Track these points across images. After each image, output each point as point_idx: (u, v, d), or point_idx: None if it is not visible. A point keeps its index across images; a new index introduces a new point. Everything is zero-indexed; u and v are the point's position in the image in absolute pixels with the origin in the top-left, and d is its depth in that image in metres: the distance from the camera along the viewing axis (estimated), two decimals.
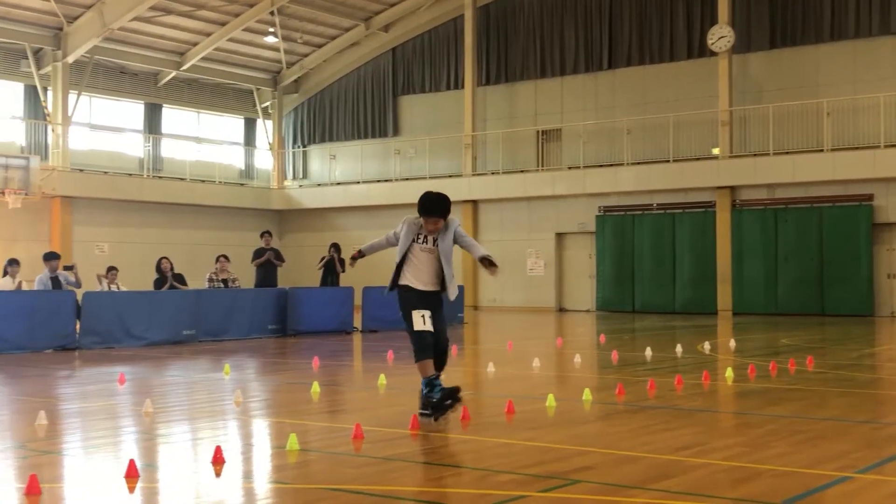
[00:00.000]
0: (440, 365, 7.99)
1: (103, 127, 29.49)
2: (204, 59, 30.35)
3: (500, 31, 30.57)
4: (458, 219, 8.30)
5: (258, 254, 20.18)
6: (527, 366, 12.63)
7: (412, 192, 30.43)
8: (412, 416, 7.70)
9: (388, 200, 31.15)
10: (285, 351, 16.12)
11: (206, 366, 13.71)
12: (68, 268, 16.88)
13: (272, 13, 29.13)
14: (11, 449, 7.21)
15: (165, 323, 16.63)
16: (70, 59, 27.18)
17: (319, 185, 33.27)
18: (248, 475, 6.28)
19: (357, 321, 19.73)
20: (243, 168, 33.53)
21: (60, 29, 26.99)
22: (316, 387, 10.11)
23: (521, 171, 29.73)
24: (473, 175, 30.31)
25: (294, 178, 34.05)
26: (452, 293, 8.04)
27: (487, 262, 7.95)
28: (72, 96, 27.65)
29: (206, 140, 32.29)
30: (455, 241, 8.07)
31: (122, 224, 28.26)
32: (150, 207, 28.81)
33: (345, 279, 20.87)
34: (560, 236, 29.43)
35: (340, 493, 5.61)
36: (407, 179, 31.30)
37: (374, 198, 31.52)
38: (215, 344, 16.78)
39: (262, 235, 20.80)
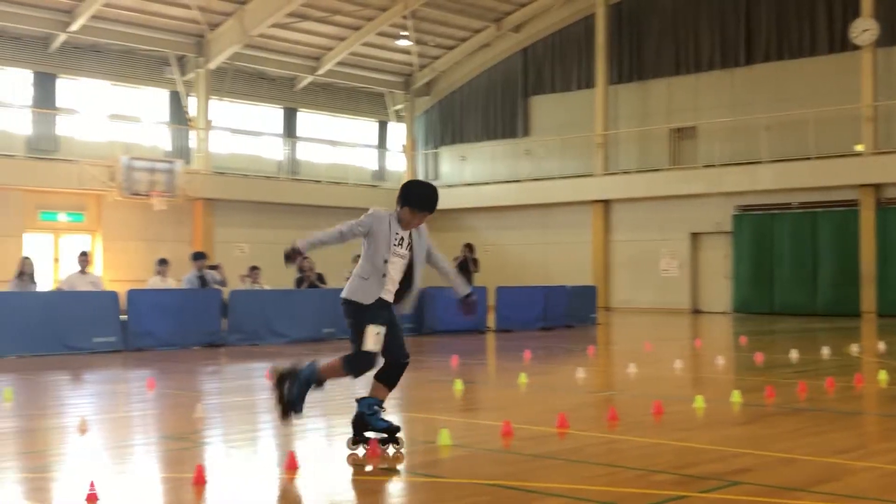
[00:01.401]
0: (391, 383, 6.73)
1: (243, 131, 30.37)
2: (338, 63, 30.93)
3: (633, 28, 30.20)
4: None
5: None
6: (668, 367, 12.44)
7: (542, 193, 30.56)
8: (559, 415, 7.67)
9: (519, 201, 31.15)
10: (422, 349, 16.26)
11: None
12: (213, 267, 17.43)
13: (405, 17, 29.48)
14: (172, 440, 7.49)
15: (307, 321, 17.01)
16: (212, 66, 28.08)
17: (450, 186, 33.49)
18: (402, 469, 6.37)
19: (490, 321, 19.77)
20: (376, 170, 34.03)
21: (202, 36, 27.90)
22: (459, 384, 10.18)
23: (654, 171, 29.30)
24: (605, 175, 30.02)
25: (426, 179, 34.38)
26: (408, 307, 6.80)
27: (468, 304, 6.93)
28: (213, 102, 28.56)
29: (341, 143, 32.91)
30: (428, 256, 6.74)
31: (260, 225, 29.04)
32: (287, 209, 29.50)
33: (478, 279, 20.95)
34: (695, 236, 28.88)
35: (496, 488, 5.64)
36: (537, 180, 31.23)
37: (504, 198, 31.56)
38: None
39: None
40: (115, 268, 25.89)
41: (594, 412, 8.95)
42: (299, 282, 18.46)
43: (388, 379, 6.70)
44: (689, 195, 28.30)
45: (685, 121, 29.24)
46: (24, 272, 15.44)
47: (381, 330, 6.45)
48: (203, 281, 16.81)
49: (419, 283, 6.72)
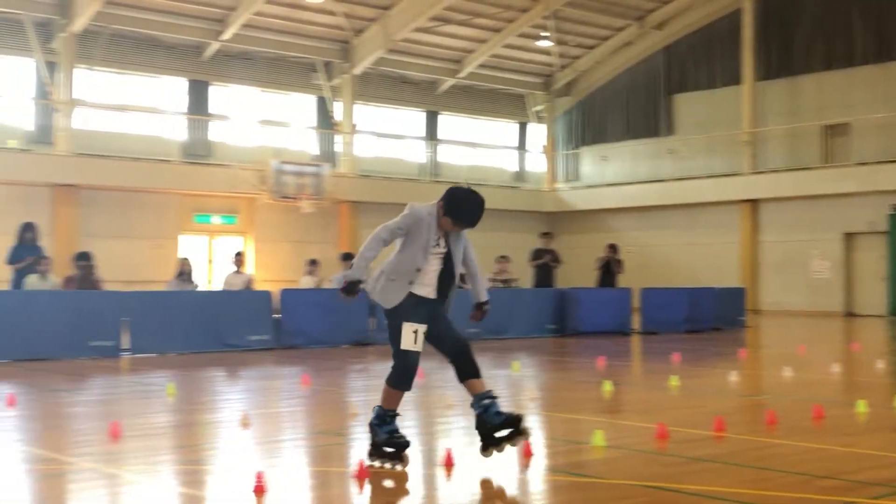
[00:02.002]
0: (472, 372, 6.40)
1: (386, 134, 30.87)
2: (479, 65, 31.10)
3: (781, 23, 29.33)
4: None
5: (537, 254, 20.40)
6: (824, 370, 12.05)
7: (687, 193, 30.00)
8: (715, 418, 7.53)
9: (661, 201, 30.67)
10: (566, 350, 16.22)
11: (493, 362, 14.02)
12: None
13: (546, 17, 29.43)
14: (327, 435, 7.70)
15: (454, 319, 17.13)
16: (357, 71, 28.65)
17: (591, 186, 33.25)
18: (556, 468, 6.38)
19: (635, 322, 19.54)
20: (516, 171, 34.07)
21: (348, 42, 28.50)
22: (608, 385, 10.10)
23: (805, 169, 28.38)
24: (752, 173, 29.26)
25: (566, 180, 34.22)
26: (449, 305, 6.51)
27: (481, 312, 6.69)
28: (358, 106, 29.14)
29: (481, 145, 33.08)
30: (464, 256, 6.49)
31: None
32: None
33: (623, 280, 20.73)
34: (848, 236, 27.84)
35: (654, 490, 5.59)
36: (680, 179, 30.69)
37: (647, 198, 31.12)
38: (497, 342, 17.13)
39: (541, 236, 21.02)
40: (266, 268, 26.70)
41: (750, 416, 8.76)
42: None
43: (465, 372, 6.36)
44: (841, 194, 27.30)
45: (836, 117, 28.23)
46: (184, 272, 16.08)
47: (420, 328, 6.16)
48: None
49: (457, 278, 6.43)
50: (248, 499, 5.32)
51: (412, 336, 6.15)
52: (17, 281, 14.95)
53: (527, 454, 6.43)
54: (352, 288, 6.21)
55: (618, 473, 6.07)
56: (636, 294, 19.67)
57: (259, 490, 5.37)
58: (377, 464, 6.13)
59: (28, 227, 15.57)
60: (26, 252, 15.21)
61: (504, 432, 6.19)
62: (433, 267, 6.29)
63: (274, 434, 7.86)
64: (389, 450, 6.15)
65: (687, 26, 31.19)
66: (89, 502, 5.55)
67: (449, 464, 6.13)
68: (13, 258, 15.30)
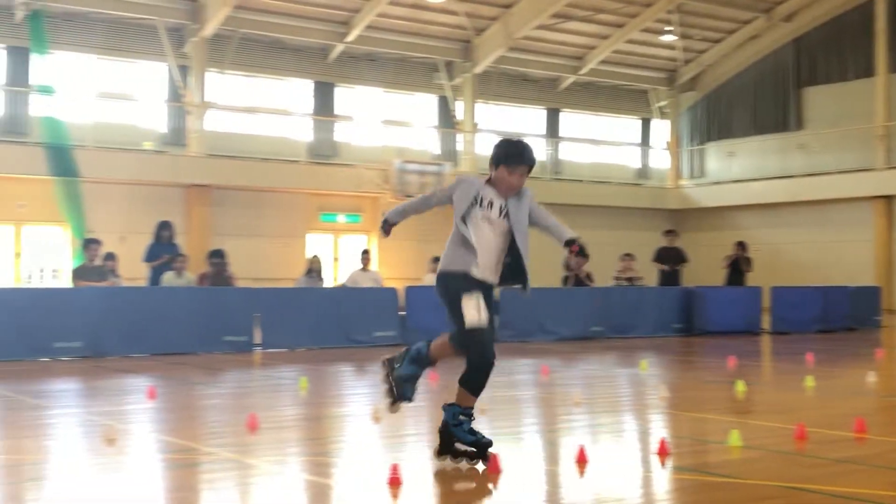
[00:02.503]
0: (474, 389, 5.90)
1: (507, 133, 30.82)
2: (601, 62, 30.79)
3: None
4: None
5: (660, 253, 20.10)
6: None
7: (817, 189, 29.09)
8: (856, 419, 7.27)
9: (790, 197, 29.78)
10: (693, 349, 15.95)
11: (619, 361, 13.90)
12: None
13: (670, 11, 28.95)
14: None
15: (576, 319, 17.08)
16: (478, 70, 28.72)
17: (717, 183, 32.53)
18: (693, 468, 6.26)
19: (765, 322, 19.05)
20: (639, 168, 33.62)
21: (469, 42, 28.59)
22: (741, 385, 9.87)
23: None
24: (886, 168, 28.16)
25: (691, 176, 33.58)
26: (527, 290, 5.85)
27: (578, 250, 5.83)
28: (478, 105, 29.20)
29: (603, 142, 32.75)
30: (531, 220, 5.85)
31: None
32: (551, 209, 29.43)
33: (752, 279, 20.25)
34: None
35: (795, 491, 5.44)
36: (810, 175, 29.75)
37: (775, 195, 30.26)
38: (622, 340, 16.95)
39: (665, 234, 20.70)
40: (391, 266, 26.98)
41: (891, 417, 8.45)
42: (565, 280, 18.55)
43: (469, 384, 5.83)
44: None
45: None
46: (313, 269, 16.40)
47: (478, 299, 5.58)
48: None
49: (525, 253, 5.75)
50: (382, 490, 5.38)
51: (475, 310, 5.52)
52: (155, 278, 15.50)
53: (662, 453, 6.33)
54: (384, 225, 6.15)
55: (757, 474, 5.92)
56: (765, 293, 19.18)
57: (394, 482, 5.43)
58: (450, 462, 5.85)
59: (164, 226, 16.12)
60: (163, 250, 15.76)
61: (464, 448, 5.86)
62: (488, 238, 5.69)
63: (402, 428, 7.94)
64: (471, 449, 5.82)
65: (816, 18, 30.22)
66: (225, 491, 5.71)
67: (582, 461, 6.08)
68: (151, 256, 15.87)
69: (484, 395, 9.23)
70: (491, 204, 5.68)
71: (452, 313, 5.64)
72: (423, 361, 5.88)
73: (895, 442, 6.97)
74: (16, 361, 12.66)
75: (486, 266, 5.71)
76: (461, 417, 5.80)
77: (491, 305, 5.75)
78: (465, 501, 5.48)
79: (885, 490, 5.46)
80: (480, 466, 5.83)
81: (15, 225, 23.28)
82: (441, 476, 5.94)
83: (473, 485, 5.74)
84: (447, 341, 5.78)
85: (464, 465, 5.87)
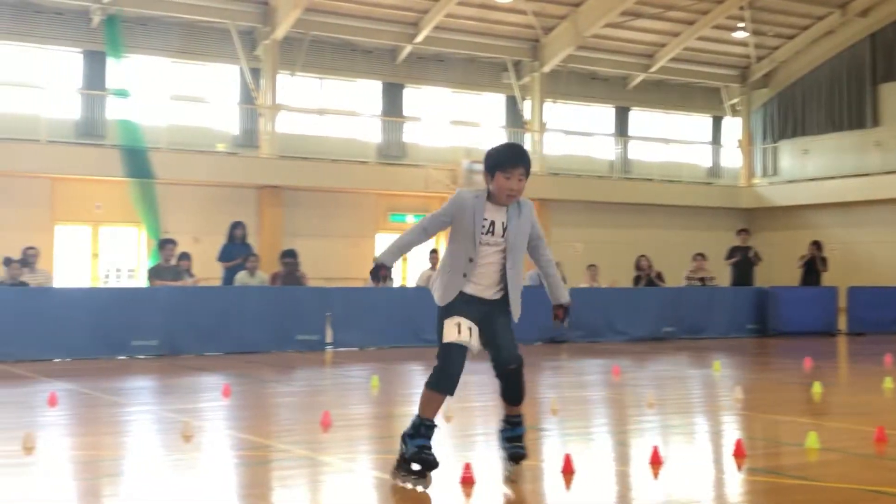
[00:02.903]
0: (513, 399, 5.64)
1: (576, 132, 30.67)
2: (671, 59, 30.44)
3: None
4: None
5: (732, 252, 19.81)
6: None
7: (892, 187, 28.39)
8: None
9: (866, 196, 29.11)
10: (768, 350, 15.70)
11: (691, 362, 13.74)
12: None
13: (742, 7, 28.52)
14: (533, 430, 7.71)
15: (646, 319, 16.92)
16: (546, 69, 28.61)
17: (790, 181, 31.94)
18: (769, 470, 6.16)
19: (841, 322, 18.67)
20: (710, 167, 33.17)
21: (537, 41, 28.50)
22: (817, 387, 9.69)
23: None
24: None
25: (763, 175, 33.03)
26: (517, 310, 5.52)
27: (563, 311, 5.67)
28: (547, 104, 29.08)
29: (673, 140, 32.39)
30: (530, 240, 5.54)
31: (594, 224, 29.20)
32: (621, 208, 29.44)
33: (828, 279, 19.84)
34: None
35: (876, 494, 5.33)
36: (887, 173, 29.05)
37: (850, 193, 29.60)
38: (694, 341, 16.75)
39: (738, 233, 20.40)
40: None
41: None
42: (637, 280, 18.39)
43: (507, 396, 5.63)
44: None
45: None
46: None
47: (464, 321, 5.33)
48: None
49: (519, 275, 5.48)
50: (454, 489, 5.39)
51: (454, 328, 5.33)
52: (229, 277, 15.72)
53: (738, 454, 6.24)
54: (375, 272, 5.42)
55: (835, 477, 5.81)
56: (842, 293, 18.79)
57: (467, 481, 5.43)
58: (398, 481, 5.44)
59: (237, 226, 16.35)
60: (236, 250, 15.98)
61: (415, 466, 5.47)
62: (490, 260, 5.41)
63: (472, 427, 7.95)
64: (416, 467, 5.40)
65: (893, 12, 29.49)
66: (298, 489, 5.77)
67: (655, 462, 6.02)
68: (224, 256, 16.10)
69: (554, 394, 9.21)
70: (493, 225, 5.39)
71: (438, 332, 5.47)
72: (421, 427, 5.47)
73: None
74: (94, 359, 12.94)
75: (486, 284, 5.45)
76: (420, 428, 5.47)
77: (500, 311, 5.48)
78: (537, 502, 5.46)
79: None
80: (419, 488, 5.33)
81: (92, 226, 23.80)
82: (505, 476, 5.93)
83: (545, 485, 5.73)
84: (424, 391, 5.50)
85: (408, 485, 5.39)
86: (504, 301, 5.47)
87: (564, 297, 5.74)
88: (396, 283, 18.17)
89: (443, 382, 5.41)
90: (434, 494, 5.35)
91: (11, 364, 12.38)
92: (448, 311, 5.42)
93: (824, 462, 6.29)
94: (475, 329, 5.38)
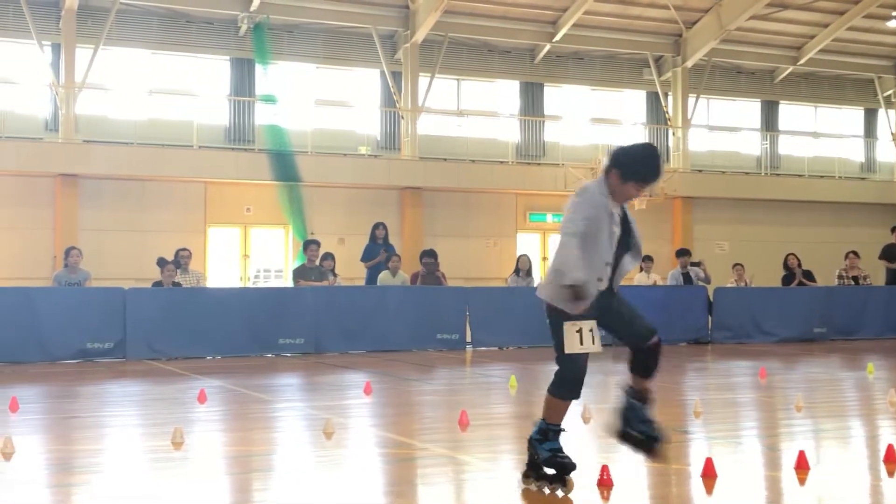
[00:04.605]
0: (645, 372, 5.44)
1: (721, 128, 29.96)
2: (820, 51, 29.39)
3: None
4: None
5: (888, 251, 18.96)
6: None
7: None
8: None
9: None
10: None
11: (843, 364, 13.23)
12: (696, 264, 17.39)
13: None
14: (672, 432, 7.57)
15: (796, 320, 16.39)
16: (689, 64, 28.03)
17: None
18: None
19: None
20: (864, 161, 31.85)
21: (679, 35, 27.96)
22: None
23: None
24: None
25: None
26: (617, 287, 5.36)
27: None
28: (690, 99, 28.50)
29: (823, 135, 31.25)
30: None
31: (740, 222, 28.45)
32: (768, 205, 28.60)
33: None
34: None
35: None
36: None
37: None
38: (847, 343, 16.13)
39: (893, 230, 19.51)
40: None
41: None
42: (787, 279, 17.82)
43: (639, 369, 5.42)
44: None
45: None
46: (521, 269, 16.48)
47: (585, 325, 5.15)
48: (687, 278, 16.85)
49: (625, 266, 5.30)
50: (592, 491, 5.34)
51: (575, 337, 5.15)
52: (371, 277, 16.00)
53: (890, 460, 5.97)
54: (581, 293, 5.03)
55: None
56: None
57: (605, 483, 5.38)
58: (533, 487, 5.34)
59: (379, 226, 16.62)
60: (378, 249, 16.25)
61: (637, 435, 5.41)
62: (607, 251, 5.23)
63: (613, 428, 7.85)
64: (550, 471, 5.31)
65: None
66: (438, 486, 5.81)
67: (803, 466, 5.82)
68: (367, 256, 16.40)
69: (698, 396, 9.01)
70: (616, 217, 5.24)
71: (554, 334, 5.27)
72: (549, 432, 5.36)
73: None
74: (243, 357, 13.38)
75: (605, 277, 5.24)
76: (547, 433, 5.36)
77: (614, 299, 5.31)
78: None
79: None
80: (559, 493, 5.24)
81: (242, 227, 24.61)
82: (652, 478, 5.84)
83: (687, 489, 5.61)
84: (547, 397, 5.39)
85: (546, 490, 5.29)
86: (610, 287, 5.26)
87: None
88: (537, 283, 18.07)
89: (567, 390, 5.31)
90: (571, 496, 5.31)
91: (164, 362, 12.93)
92: (567, 315, 5.16)
93: None
94: (596, 329, 5.21)
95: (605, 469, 5.45)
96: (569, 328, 5.14)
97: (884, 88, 31.53)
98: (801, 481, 5.64)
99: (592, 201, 5.17)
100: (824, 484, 5.62)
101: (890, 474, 5.81)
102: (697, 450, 6.81)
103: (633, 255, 5.33)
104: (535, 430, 5.37)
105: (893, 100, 31.58)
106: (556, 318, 5.21)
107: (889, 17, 28.51)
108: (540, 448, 5.31)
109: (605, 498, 5.25)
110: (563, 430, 5.40)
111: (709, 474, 5.62)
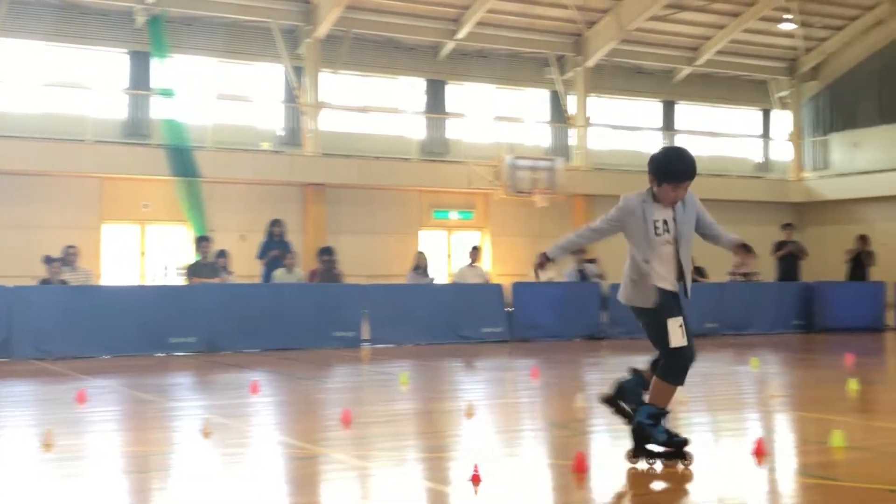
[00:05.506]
0: (673, 380, 5.89)
1: (621, 127, 30.41)
2: (718, 52, 30.04)
3: None
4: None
5: (778, 246, 19.53)
6: None
7: None
8: None
9: None
10: (812, 347, 15.45)
11: (732, 359, 13.55)
12: (591, 261, 17.63)
13: None
14: (555, 427, 7.65)
15: (688, 315, 16.68)
16: (590, 64, 28.38)
17: (841, 175, 31.37)
18: (791, 469, 6.06)
19: (889, 318, 18.31)
20: (760, 161, 32.69)
21: (580, 35, 28.29)
22: (853, 384, 9.49)
23: None
24: None
25: (814, 168, 32.50)
26: (688, 289, 5.82)
27: (745, 251, 5.95)
28: (591, 99, 28.88)
29: (721, 134, 31.97)
30: (698, 226, 5.88)
31: None
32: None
33: (879, 274, 19.47)
34: None
35: None
36: None
37: None
38: (738, 338, 16.54)
39: (783, 227, 20.10)
40: (503, 262, 26.97)
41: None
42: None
43: (658, 368, 5.86)
44: None
45: None
46: (420, 266, 16.50)
47: (681, 320, 5.69)
48: (583, 275, 17.07)
49: (688, 263, 5.76)
50: (464, 487, 5.35)
51: (679, 331, 5.68)
52: (268, 275, 15.83)
53: (759, 453, 6.13)
54: (541, 260, 5.87)
55: (858, 476, 5.67)
56: (891, 288, 18.42)
57: (475, 479, 5.39)
58: (645, 465, 5.77)
59: (275, 223, 16.46)
60: (274, 247, 16.09)
61: (659, 449, 5.78)
62: (666, 253, 5.70)
63: (500, 425, 7.91)
64: (660, 448, 5.78)
65: None
66: (297, 484, 5.76)
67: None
68: (263, 253, 16.22)
69: (592, 391, 9.13)
70: (665, 224, 5.71)
71: (654, 333, 5.76)
72: (658, 415, 5.82)
73: None
74: (133, 357, 13.10)
75: (672, 279, 5.71)
76: (656, 417, 5.81)
77: (684, 307, 5.79)
78: (547, 499, 5.41)
79: None
80: (680, 466, 5.73)
81: (140, 224, 24.11)
82: (524, 473, 5.87)
83: (561, 483, 5.66)
84: (659, 384, 5.80)
85: (658, 466, 5.74)
86: (682, 291, 5.76)
87: (737, 239, 5.98)
88: (438, 280, 18.11)
89: (679, 377, 5.77)
90: (448, 490, 5.30)
91: (51, 362, 12.59)
92: (667, 311, 5.66)
93: (849, 461, 6.15)
94: (685, 323, 5.71)
95: (475, 466, 5.46)
96: (672, 324, 5.64)
97: (778, 90, 32.43)
98: (668, 476, 5.73)
99: (624, 206, 5.76)
100: (693, 477, 5.72)
101: (758, 466, 5.96)
102: (577, 444, 6.87)
103: (683, 249, 5.74)
104: (645, 416, 5.78)
105: (787, 101, 32.50)
106: (652, 316, 5.71)
107: (782, 20, 29.31)
108: (656, 431, 5.76)
109: (475, 492, 5.27)
110: (669, 412, 5.86)
111: (580, 468, 5.68)
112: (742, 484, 5.64)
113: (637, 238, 5.71)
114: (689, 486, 5.54)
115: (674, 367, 5.73)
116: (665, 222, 5.71)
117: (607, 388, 6.04)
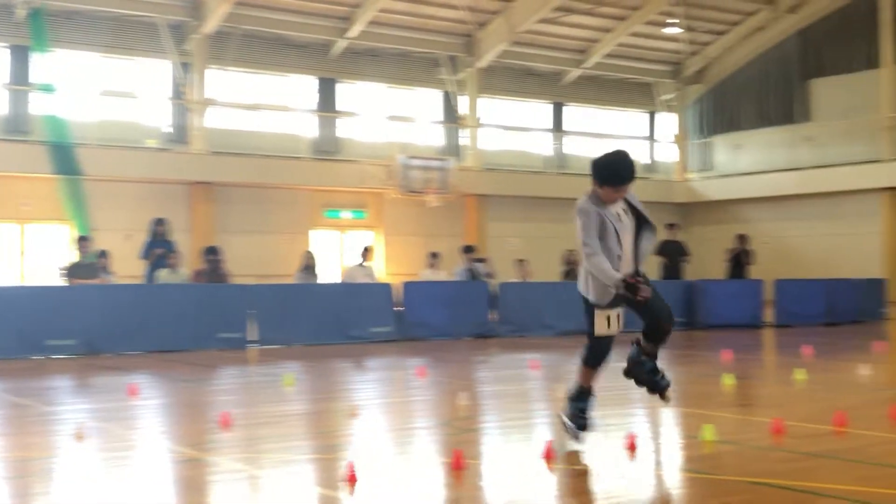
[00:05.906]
0: (662, 340, 6.62)
1: (511, 127, 30.72)
2: (605, 55, 30.59)
3: None
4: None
5: (663, 246, 19.98)
6: None
7: (825, 181, 28.87)
8: (836, 412, 7.18)
9: (798, 190, 29.55)
10: (693, 343, 15.84)
11: (615, 356, 13.79)
12: (481, 260, 17.77)
13: (673, 3, 28.74)
14: (438, 426, 7.68)
15: (574, 313, 16.93)
16: (481, 65, 28.59)
17: (724, 176, 32.31)
18: (660, 463, 6.21)
19: (768, 315, 18.93)
20: (647, 162, 33.42)
21: (471, 36, 28.47)
22: (728, 379, 9.78)
23: None
24: (894, 160, 27.91)
25: (698, 170, 33.39)
26: (643, 263, 6.40)
27: (625, 288, 6.04)
28: (482, 99, 29.09)
29: (609, 136, 32.57)
30: (641, 219, 6.34)
31: (530, 219, 29.27)
32: (556, 203, 29.51)
33: (761, 272, 20.10)
34: None
35: (760, 486, 5.36)
36: (818, 167, 29.50)
37: (783, 188, 30.03)
38: (624, 335, 16.81)
39: (667, 227, 20.58)
40: (396, 262, 26.96)
41: (878, 411, 8.32)
42: (567, 274, 18.47)
43: (652, 336, 6.59)
44: None
45: None
46: (308, 265, 16.38)
47: (613, 312, 6.29)
48: (472, 273, 17.18)
49: (640, 246, 6.28)
50: (338, 487, 5.33)
51: (605, 321, 6.31)
52: (150, 274, 15.50)
53: (630, 447, 6.27)
54: (630, 287, 6.03)
55: (727, 469, 5.86)
56: (770, 286, 19.03)
57: (351, 479, 5.38)
58: (566, 423, 6.47)
59: (159, 222, 16.12)
60: (158, 246, 15.76)
61: (645, 380, 6.66)
62: (628, 243, 6.24)
63: (384, 424, 7.91)
64: (571, 424, 6.43)
65: (822, 9, 29.96)
66: (169, 486, 5.66)
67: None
68: (147, 252, 15.88)
69: (478, 389, 9.17)
70: (619, 216, 6.20)
71: (588, 322, 6.39)
72: (582, 393, 6.52)
73: (874, 436, 6.87)
74: (8, 360, 12.67)
75: (628, 264, 6.23)
76: (642, 358, 6.62)
77: (646, 283, 6.16)
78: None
79: (853, 485, 5.37)
80: (574, 443, 6.35)
81: (19, 223, 23.34)
82: (401, 471, 5.88)
83: (440, 479, 5.69)
84: (580, 366, 6.52)
85: (569, 438, 6.40)
86: (637, 271, 6.25)
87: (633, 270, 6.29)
88: (329, 279, 18.02)
89: (596, 360, 6.44)
90: (319, 491, 5.27)
91: None
92: (598, 305, 6.25)
93: (717, 454, 6.33)
94: (622, 315, 6.34)
95: (350, 465, 5.44)
96: (599, 315, 6.27)
97: (663, 93, 33.20)
98: (566, 472, 5.81)
99: (590, 217, 6.13)
100: (574, 473, 5.81)
101: (630, 461, 6.09)
102: (456, 442, 6.91)
103: (647, 233, 6.32)
104: (574, 389, 6.49)
105: (672, 104, 33.30)
106: (590, 307, 6.31)
107: (666, 24, 30.03)
108: (572, 404, 6.47)
109: (350, 492, 5.25)
110: (594, 395, 6.53)
111: (457, 466, 5.72)
112: (612, 478, 5.75)
113: (607, 242, 6.13)
114: (561, 478, 5.63)
115: (591, 351, 6.42)
116: (619, 214, 6.21)
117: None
